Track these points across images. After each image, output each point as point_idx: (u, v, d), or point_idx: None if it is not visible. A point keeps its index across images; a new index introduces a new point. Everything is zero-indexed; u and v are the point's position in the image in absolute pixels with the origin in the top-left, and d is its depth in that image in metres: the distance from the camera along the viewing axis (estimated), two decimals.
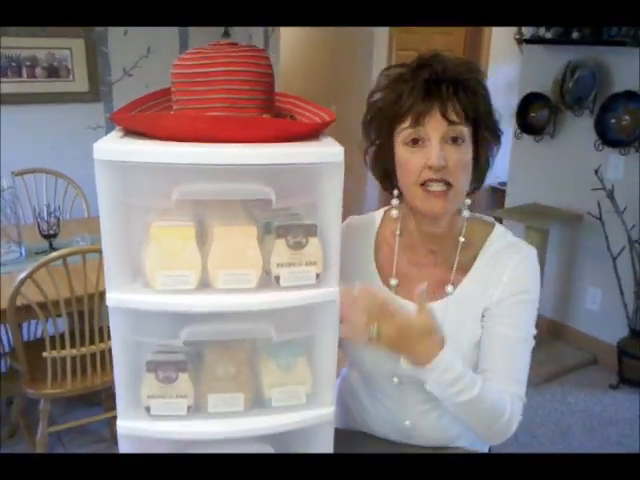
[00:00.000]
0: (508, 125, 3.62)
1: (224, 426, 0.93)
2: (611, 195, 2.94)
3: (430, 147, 1.02)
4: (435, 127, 1.02)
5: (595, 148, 3.09)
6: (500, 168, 4.35)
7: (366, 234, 1.23)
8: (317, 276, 0.91)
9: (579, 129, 3.20)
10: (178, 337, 0.89)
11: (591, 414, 2.85)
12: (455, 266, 1.15)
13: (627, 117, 2.96)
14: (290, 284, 0.90)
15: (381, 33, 4.35)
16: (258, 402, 0.97)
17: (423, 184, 1.04)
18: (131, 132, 0.89)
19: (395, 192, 1.15)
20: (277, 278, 0.90)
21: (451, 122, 1.02)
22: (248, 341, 0.97)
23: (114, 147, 0.82)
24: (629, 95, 2.91)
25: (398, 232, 1.20)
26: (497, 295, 1.11)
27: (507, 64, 4.84)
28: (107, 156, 0.82)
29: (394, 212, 1.20)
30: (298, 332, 0.96)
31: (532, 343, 1.13)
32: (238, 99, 0.89)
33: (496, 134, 1.11)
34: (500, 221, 3.60)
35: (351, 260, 1.19)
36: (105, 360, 2.21)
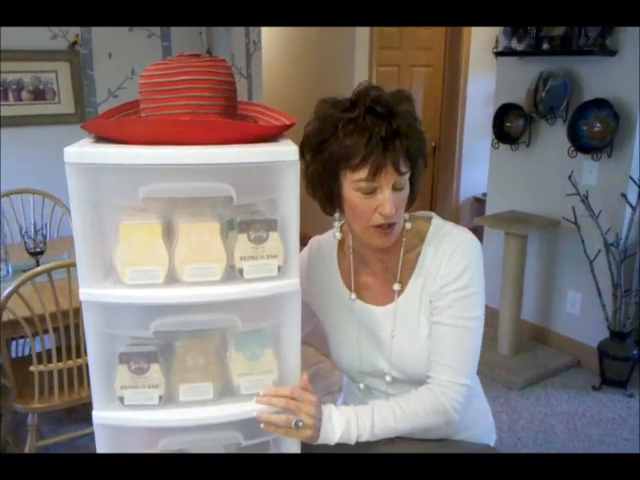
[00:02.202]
0: (487, 136, 3.72)
1: (195, 414, 0.98)
2: (585, 200, 3.02)
3: (382, 197, 1.08)
4: (387, 179, 1.08)
5: (569, 155, 3.18)
6: (481, 180, 4.44)
7: (330, 253, 1.31)
8: (278, 268, 0.97)
9: (553, 137, 3.29)
10: (148, 329, 0.95)
11: (574, 415, 2.90)
12: (400, 266, 1.22)
13: (598, 124, 3.05)
14: (253, 276, 0.96)
15: (361, 50, 4.45)
16: (227, 390, 1.02)
17: (377, 226, 1.11)
18: (101, 139, 0.95)
19: (336, 215, 1.21)
20: (241, 271, 0.96)
21: (401, 173, 1.09)
22: (216, 333, 1.03)
23: (83, 150, 0.89)
24: (599, 103, 3.00)
25: (351, 250, 1.27)
26: (436, 287, 1.17)
27: (485, 77, 4.96)
28: (77, 159, 0.88)
29: (337, 234, 1.28)
30: (263, 322, 1.02)
31: (476, 326, 1.17)
32: (201, 105, 0.96)
33: (426, 161, 1.18)
34: (481, 229, 3.63)
35: (322, 278, 1.30)
36: None
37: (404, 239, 1.21)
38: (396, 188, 1.10)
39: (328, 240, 1.32)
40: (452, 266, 1.16)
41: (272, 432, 1.04)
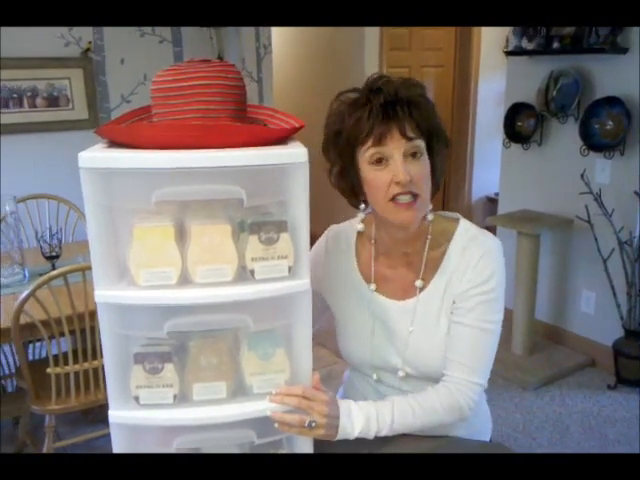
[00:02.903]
0: (499, 135, 3.70)
1: (209, 412, 1.00)
2: (598, 198, 3.01)
3: (394, 164, 1.10)
4: (396, 145, 1.10)
5: (581, 153, 3.17)
6: (493, 179, 4.43)
7: (348, 243, 1.32)
8: (289, 269, 0.99)
9: (565, 136, 3.28)
10: (162, 329, 0.97)
11: (589, 414, 2.89)
12: (424, 263, 1.23)
13: (610, 122, 3.03)
14: (264, 277, 0.98)
15: (371, 51, 4.47)
16: (240, 390, 1.03)
17: (392, 199, 1.12)
18: (114, 144, 0.97)
19: (362, 207, 1.22)
20: (252, 272, 0.98)
21: (409, 139, 1.10)
22: (229, 333, 1.04)
23: (97, 155, 0.91)
24: (611, 100, 2.98)
25: (373, 240, 1.28)
26: (461, 288, 1.19)
27: (496, 77, 4.94)
28: (91, 164, 0.90)
29: (359, 226, 1.29)
30: (274, 322, 1.03)
31: (495, 328, 1.20)
32: (211, 109, 0.97)
33: (445, 141, 1.19)
34: (494, 229, 3.63)
35: (338, 268, 1.30)
36: None
37: (429, 236, 1.23)
38: (409, 156, 1.10)
39: (346, 229, 1.33)
40: (480, 270, 1.18)
41: (286, 431, 1.06)
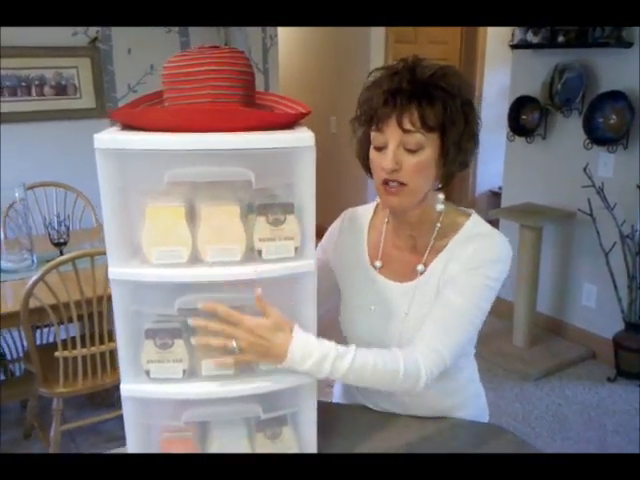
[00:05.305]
0: (503, 129, 3.72)
1: (216, 387, 1.03)
2: (601, 192, 3.03)
3: (387, 151, 1.13)
4: (392, 134, 1.12)
5: (584, 147, 3.19)
6: (497, 173, 4.45)
7: (361, 222, 1.36)
8: (295, 249, 1.02)
9: (569, 129, 3.30)
10: (172, 306, 1.00)
11: (588, 406, 2.92)
12: (429, 249, 1.25)
13: (614, 116, 3.06)
14: (271, 257, 1.01)
15: (377, 44, 4.49)
16: (247, 366, 1.07)
17: (383, 182, 1.16)
18: (128, 127, 1.01)
19: None
20: (259, 252, 1.01)
21: (406, 131, 1.11)
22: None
23: (112, 137, 0.94)
24: (615, 95, 3.00)
25: (387, 219, 1.32)
26: (455, 269, 1.19)
27: (502, 70, 4.95)
28: (106, 145, 0.93)
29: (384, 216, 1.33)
30: (280, 301, 1.06)
31: (478, 315, 1.18)
32: (222, 94, 1.00)
33: (472, 138, 1.19)
34: (497, 222, 3.64)
35: (347, 245, 1.34)
36: (114, 359, 2.32)
37: (439, 224, 1.25)
38: (406, 148, 1.12)
39: (362, 211, 1.37)
40: (479, 256, 1.18)
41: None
